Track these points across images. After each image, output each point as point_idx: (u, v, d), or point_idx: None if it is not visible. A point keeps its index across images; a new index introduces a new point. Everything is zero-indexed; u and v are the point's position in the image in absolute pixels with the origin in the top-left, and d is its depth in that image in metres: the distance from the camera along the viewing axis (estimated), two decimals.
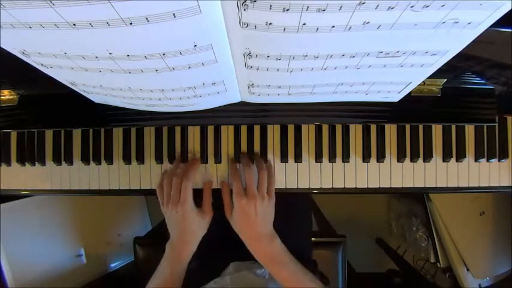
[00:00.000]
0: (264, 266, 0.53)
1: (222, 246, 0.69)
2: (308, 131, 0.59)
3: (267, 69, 0.37)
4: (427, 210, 1.00)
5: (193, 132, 0.60)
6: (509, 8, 0.27)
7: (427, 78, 0.40)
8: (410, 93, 0.47)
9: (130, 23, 0.27)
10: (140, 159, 0.60)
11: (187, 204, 0.52)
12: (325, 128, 0.59)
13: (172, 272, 0.53)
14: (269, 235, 0.52)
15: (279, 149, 0.59)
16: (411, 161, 0.58)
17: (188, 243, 0.54)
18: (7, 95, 0.55)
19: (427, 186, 0.59)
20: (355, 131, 0.59)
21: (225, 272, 0.61)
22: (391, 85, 0.44)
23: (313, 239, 0.79)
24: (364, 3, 0.25)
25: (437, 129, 0.58)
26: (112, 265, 1.10)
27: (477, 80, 0.50)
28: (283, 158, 0.59)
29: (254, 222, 0.51)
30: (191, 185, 0.53)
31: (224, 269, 0.62)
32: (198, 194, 0.56)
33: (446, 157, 0.58)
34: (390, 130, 0.59)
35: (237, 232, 0.53)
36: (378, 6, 0.26)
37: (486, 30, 0.30)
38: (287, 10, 0.26)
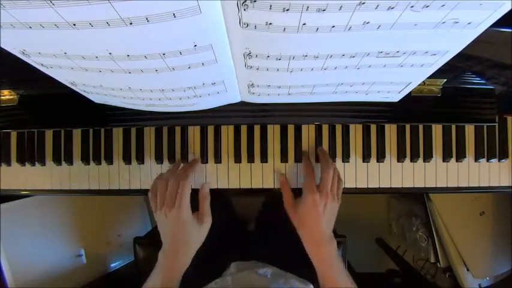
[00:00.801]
0: (317, 267, 0.51)
1: (224, 246, 0.69)
2: (308, 131, 0.59)
3: (267, 69, 0.37)
4: (427, 210, 1.00)
5: (193, 132, 0.60)
6: (509, 8, 0.27)
7: (427, 78, 0.40)
8: (410, 93, 0.47)
9: (131, 23, 0.27)
10: (140, 159, 0.60)
11: (183, 209, 0.48)
12: (325, 128, 0.59)
13: (163, 283, 0.48)
14: (330, 236, 0.52)
15: (279, 149, 0.59)
16: (411, 161, 0.58)
17: (181, 254, 0.49)
18: (7, 95, 0.55)
19: (427, 186, 0.59)
20: (355, 131, 0.59)
21: (226, 272, 0.61)
22: (391, 85, 0.44)
23: None
24: (364, 3, 0.25)
25: (437, 129, 0.58)
26: (112, 265, 1.10)
27: (477, 80, 0.50)
28: (283, 158, 0.59)
29: (321, 218, 0.50)
30: (189, 187, 0.49)
31: (225, 269, 0.62)
32: (193, 196, 0.52)
33: (446, 157, 0.58)
34: (390, 130, 0.59)
35: (297, 225, 0.52)
36: (378, 6, 0.26)
37: (486, 30, 0.30)
38: (287, 10, 0.26)
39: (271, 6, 0.26)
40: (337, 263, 0.51)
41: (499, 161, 0.58)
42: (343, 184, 0.55)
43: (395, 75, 0.41)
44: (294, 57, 0.35)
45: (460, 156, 0.58)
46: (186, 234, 0.49)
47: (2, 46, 0.32)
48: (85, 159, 0.60)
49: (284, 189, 0.55)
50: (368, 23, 0.28)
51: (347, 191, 0.59)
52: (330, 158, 0.57)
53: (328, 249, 0.51)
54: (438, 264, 1.04)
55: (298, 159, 0.58)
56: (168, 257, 0.49)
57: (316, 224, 0.50)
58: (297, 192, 0.55)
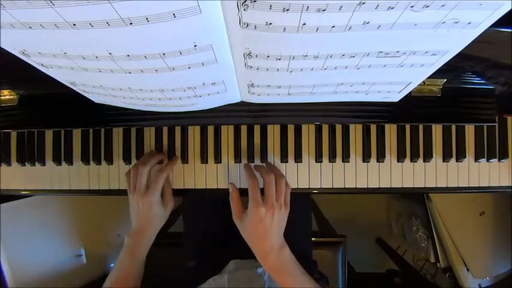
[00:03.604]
0: (270, 275, 0.52)
1: (224, 243, 0.69)
2: (308, 131, 0.59)
3: (267, 69, 0.37)
4: (427, 210, 1.00)
5: (193, 132, 0.60)
6: (509, 8, 0.27)
7: (427, 78, 0.40)
8: (410, 93, 0.47)
9: (131, 23, 0.27)
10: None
11: (156, 195, 0.53)
12: (325, 128, 0.59)
13: (131, 262, 0.53)
14: (280, 245, 0.51)
15: (279, 149, 0.59)
16: (411, 161, 0.58)
17: (147, 233, 0.55)
18: (7, 95, 0.55)
19: (427, 186, 0.59)
20: (355, 131, 0.59)
21: (225, 269, 0.61)
22: (391, 85, 0.44)
23: (313, 239, 0.79)
24: (364, 3, 0.25)
25: (437, 129, 0.58)
26: (112, 265, 1.10)
27: (477, 80, 0.50)
28: (283, 158, 0.59)
29: (269, 232, 0.50)
30: (164, 178, 0.55)
31: (225, 266, 0.62)
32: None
33: (446, 157, 0.58)
34: (390, 130, 0.59)
35: (246, 238, 0.53)
36: (378, 6, 0.26)
37: (486, 30, 0.30)
38: (287, 10, 0.26)
39: (271, 6, 0.26)
40: (292, 268, 0.51)
41: (499, 161, 0.58)
42: (290, 188, 0.54)
43: (395, 75, 0.41)
44: (294, 57, 0.35)
45: (460, 156, 0.58)
46: (155, 215, 0.55)
47: (2, 46, 0.32)
48: (85, 159, 0.60)
49: (234, 202, 0.54)
50: (368, 23, 0.28)
51: (347, 191, 0.59)
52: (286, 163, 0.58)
53: (278, 257, 0.51)
54: (438, 264, 1.04)
55: (298, 159, 0.58)
56: (135, 237, 0.54)
57: (264, 236, 0.50)
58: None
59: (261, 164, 0.58)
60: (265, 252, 0.51)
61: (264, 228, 0.50)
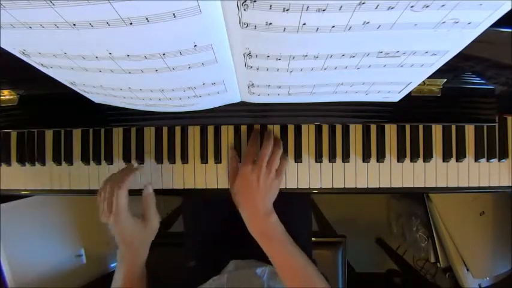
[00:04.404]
0: (256, 239, 0.51)
1: (224, 243, 0.69)
2: (308, 131, 0.59)
3: (267, 69, 0.37)
4: (427, 210, 1.00)
5: (193, 132, 0.60)
6: (509, 8, 0.27)
7: (427, 78, 0.40)
8: (410, 93, 0.47)
9: (131, 23, 0.27)
10: (140, 159, 0.60)
11: (120, 215, 0.49)
12: (325, 128, 0.59)
13: (128, 272, 0.51)
14: (267, 210, 0.51)
15: None
16: (411, 161, 0.58)
17: (134, 254, 0.52)
18: (7, 95, 0.55)
19: (427, 186, 0.59)
20: (355, 131, 0.59)
21: (225, 269, 0.61)
22: (391, 85, 0.44)
23: (313, 239, 0.79)
24: (364, 3, 0.25)
25: (437, 129, 0.58)
26: (112, 265, 1.10)
27: (477, 80, 0.50)
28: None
29: (255, 192, 0.50)
30: (125, 193, 0.49)
31: (225, 266, 0.62)
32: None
33: (446, 157, 0.58)
34: (390, 130, 0.59)
35: (234, 201, 0.53)
36: (378, 6, 0.26)
37: (486, 30, 0.30)
38: (287, 10, 0.26)
39: (271, 6, 0.26)
40: (279, 235, 0.51)
41: (499, 161, 0.58)
42: (288, 163, 0.56)
43: (395, 75, 0.41)
44: (294, 57, 0.35)
45: (460, 156, 0.58)
46: (132, 234, 0.51)
47: (2, 46, 0.32)
48: (85, 159, 0.60)
49: (231, 161, 0.56)
50: (368, 23, 0.28)
51: (347, 191, 0.59)
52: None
53: (265, 221, 0.51)
54: (438, 264, 1.04)
55: (298, 159, 0.58)
56: (125, 255, 0.52)
57: (249, 196, 0.51)
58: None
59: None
60: (251, 214, 0.51)
61: (250, 188, 0.50)
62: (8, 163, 0.62)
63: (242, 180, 0.52)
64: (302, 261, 0.50)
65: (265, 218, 0.51)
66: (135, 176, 0.53)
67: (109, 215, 0.49)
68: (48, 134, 0.62)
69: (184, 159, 0.59)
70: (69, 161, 0.61)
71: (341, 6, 0.26)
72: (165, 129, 0.60)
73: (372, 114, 0.54)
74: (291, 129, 0.59)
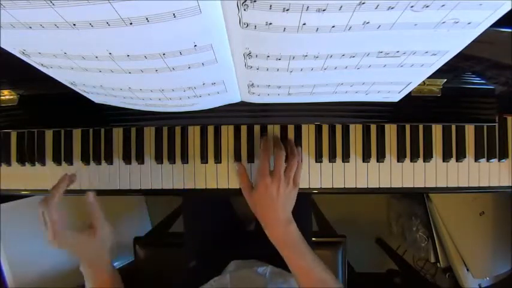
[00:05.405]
0: (276, 247, 0.52)
1: (225, 243, 0.69)
2: (308, 131, 0.59)
3: (267, 69, 0.37)
4: (427, 210, 1.00)
5: (193, 132, 0.60)
6: (509, 8, 0.27)
7: (427, 78, 0.40)
8: (410, 93, 0.47)
9: (131, 23, 0.27)
10: (140, 159, 0.60)
11: (59, 232, 0.47)
12: (325, 128, 0.59)
13: (96, 283, 0.50)
14: (287, 219, 0.52)
15: None
16: (411, 161, 0.58)
17: (93, 261, 0.51)
18: (7, 95, 0.55)
19: (427, 186, 0.59)
20: (355, 131, 0.59)
21: (225, 269, 0.61)
22: (391, 85, 0.44)
23: (313, 239, 0.79)
24: (364, 3, 0.25)
25: (437, 129, 0.58)
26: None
27: (477, 80, 0.50)
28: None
29: (275, 203, 0.51)
30: (53, 209, 0.48)
31: (226, 267, 0.62)
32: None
33: (446, 157, 0.58)
34: (390, 130, 0.59)
35: (254, 211, 0.53)
36: (378, 6, 0.26)
37: (486, 30, 0.30)
38: (287, 10, 0.26)
39: (271, 6, 0.26)
40: (298, 244, 0.51)
41: (499, 161, 0.58)
42: (301, 169, 0.55)
43: (395, 75, 0.41)
44: (294, 57, 0.35)
45: (460, 156, 0.58)
46: (81, 250, 0.50)
47: (2, 46, 0.32)
48: (85, 159, 0.60)
49: (242, 177, 0.56)
50: (368, 23, 0.28)
51: (347, 191, 0.59)
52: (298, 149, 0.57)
53: (284, 231, 0.51)
54: (438, 264, 1.04)
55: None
56: (84, 271, 0.51)
57: (270, 207, 0.51)
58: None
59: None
60: (271, 224, 0.52)
61: (270, 198, 0.50)
62: (8, 163, 0.62)
63: (262, 192, 0.51)
64: (319, 266, 0.51)
65: (286, 227, 0.51)
66: (68, 185, 0.52)
67: (49, 236, 0.47)
68: (48, 134, 0.62)
69: (184, 159, 0.59)
70: (69, 161, 0.61)
71: (341, 6, 0.26)
72: (165, 129, 0.60)
73: (372, 114, 0.54)
74: (291, 129, 0.59)
